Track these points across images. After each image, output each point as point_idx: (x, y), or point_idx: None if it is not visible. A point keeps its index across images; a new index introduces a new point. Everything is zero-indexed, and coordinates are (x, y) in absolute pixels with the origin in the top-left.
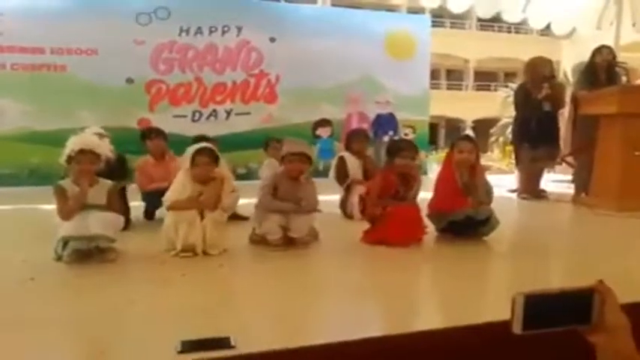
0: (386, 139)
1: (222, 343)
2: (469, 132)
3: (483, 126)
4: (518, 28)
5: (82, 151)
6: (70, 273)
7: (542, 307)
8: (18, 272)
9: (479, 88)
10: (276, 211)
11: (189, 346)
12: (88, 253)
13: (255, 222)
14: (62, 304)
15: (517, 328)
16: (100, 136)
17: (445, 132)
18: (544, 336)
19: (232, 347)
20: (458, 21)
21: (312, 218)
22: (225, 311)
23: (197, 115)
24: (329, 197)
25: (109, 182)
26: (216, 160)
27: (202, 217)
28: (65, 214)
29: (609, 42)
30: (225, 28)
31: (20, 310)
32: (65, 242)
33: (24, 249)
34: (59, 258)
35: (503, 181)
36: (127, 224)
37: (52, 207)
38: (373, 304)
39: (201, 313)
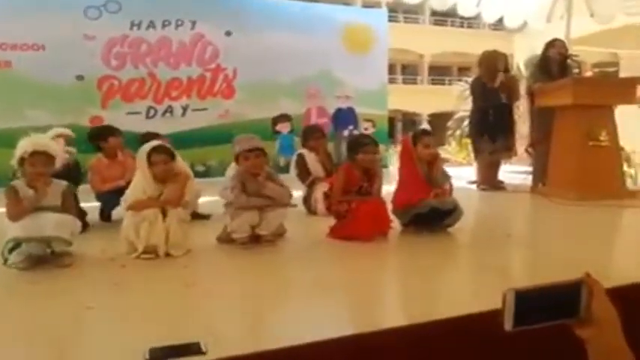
0: (346, 133)
1: (192, 348)
2: (425, 125)
3: (439, 119)
4: (471, 22)
5: (35, 153)
6: (22, 279)
7: (531, 303)
8: None
9: (434, 83)
10: (253, 207)
11: (158, 354)
12: (43, 258)
13: (229, 221)
14: (13, 314)
15: (508, 325)
16: (66, 136)
17: (402, 126)
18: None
19: (203, 353)
20: (412, 16)
21: (285, 214)
22: (192, 315)
23: (152, 111)
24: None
25: (63, 183)
26: (172, 156)
27: (164, 217)
28: (15, 215)
29: (559, 35)
30: (179, 22)
31: None
32: (14, 246)
33: None
34: (5, 261)
35: (461, 173)
36: (84, 227)
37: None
38: (343, 301)
39: (167, 318)
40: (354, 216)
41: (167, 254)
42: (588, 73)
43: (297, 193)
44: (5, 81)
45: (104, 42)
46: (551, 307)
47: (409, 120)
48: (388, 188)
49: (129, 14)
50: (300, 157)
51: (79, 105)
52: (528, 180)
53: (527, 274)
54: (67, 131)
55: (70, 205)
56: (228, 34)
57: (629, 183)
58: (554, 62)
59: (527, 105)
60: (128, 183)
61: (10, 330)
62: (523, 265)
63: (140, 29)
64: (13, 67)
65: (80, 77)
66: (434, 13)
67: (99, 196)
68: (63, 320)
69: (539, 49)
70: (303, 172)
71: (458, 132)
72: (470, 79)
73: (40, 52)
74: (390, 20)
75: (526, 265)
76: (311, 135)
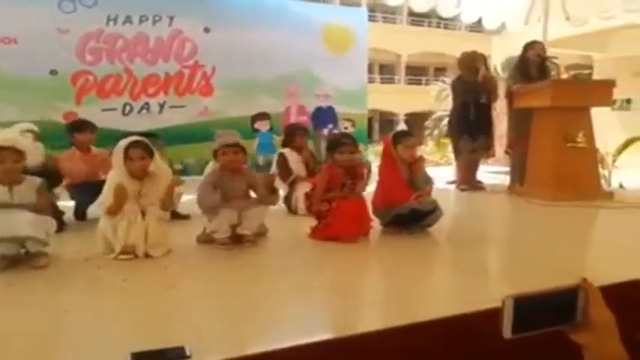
0: (325, 132)
1: (176, 353)
2: (402, 125)
3: (415, 119)
4: (448, 23)
5: (2, 149)
6: None
7: (530, 309)
8: None
9: (410, 82)
10: (228, 204)
11: (140, 359)
12: (17, 259)
13: (208, 221)
14: None
15: (507, 333)
16: (31, 132)
17: (379, 125)
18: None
19: (188, 357)
20: (390, 16)
21: (265, 213)
22: (173, 318)
23: (128, 108)
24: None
25: (37, 180)
26: (150, 153)
27: (143, 216)
28: None
29: (536, 38)
30: (157, 18)
31: None
32: None
33: None
34: None
35: (439, 173)
36: (61, 227)
37: None
38: (326, 304)
39: (147, 321)
40: (334, 215)
41: (146, 255)
42: (564, 76)
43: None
44: None
45: (79, 36)
46: (548, 313)
47: (386, 120)
48: (368, 188)
49: (105, 8)
50: (281, 156)
51: (53, 100)
52: (506, 180)
53: (507, 274)
54: (32, 126)
55: (45, 202)
56: (206, 30)
57: (602, 184)
58: (532, 64)
59: (505, 106)
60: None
61: None
62: (502, 265)
63: (116, 24)
64: None
65: (54, 72)
66: (412, 13)
67: (73, 194)
68: (39, 324)
69: (516, 51)
70: (284, 172)
71: (436, 132)
72: (448, 79)
73: (12, 46)
74: (368, 20)
75: (505, 265)
76: (295, 133)
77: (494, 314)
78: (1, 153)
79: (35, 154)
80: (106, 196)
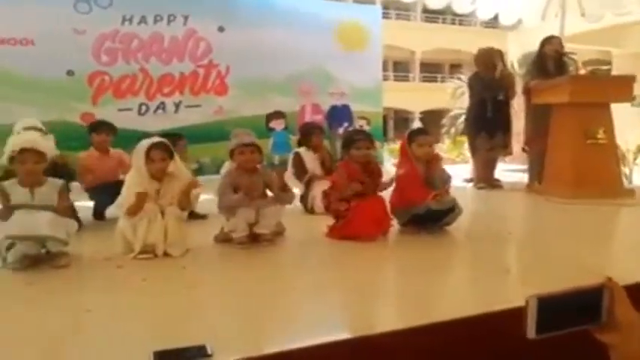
0: (341, 131)
1: (198, 352)
2: (417, 123)
3: (431, 117)
4: (463, 19)
5: (23, 150)
6: (18, 280)
7: (554, 309)
8: None
9: (425, 80)
10: (245, 204)
11: (163, 357)
12: (38, 258)
13: (225, 221)
14: (10, 317)
15: (531, 333)
16: (37, 130)
17: (394, 123)
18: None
19: (209, 356)
20: (403, 12)
21: (282, 211)
22: (193, 317)
23: (144, 108)
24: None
25: (58, 181)
26: (170, 154)
27: (162, 216)
28: (2, 216)
29: (553, 33)
30: (171, 17)
31: None
32: (9, 245)
33: None
34: (4, 260)
35: (456, 171)
36: (79, 227)
37: None
38: (345, 303)
39: (168, 320)
40: (354, 215)
41: (165, 254)
42: (582, 71)
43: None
44: None
45: (95, 37)
46: (573, 313)
47: (401, 118)
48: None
49: (120, 9)
50: (297, 155)
51: (70, 101)
52: (524, 178)
53: (527, 274)
54: (37, 123)
55: (66, 204)
56: (221, 29)
57: (623, 182)
58: (550, 59)
59: (522, 102)
60: (123, 180)
61: (6, 333)
62: (522, 265)
63: (132, 24)
64: (1, 62)
65: (70, 73)
66: (425, 10)
67: (91, 194)
68: (61, 323)
69: (532, 47)
70: (300, 171)
71: (452, 129)
72: (463, 76)
73: (29, 47)
74: (381, 17)
75: (525, 264)
76: (311, 132)
77: (514, 314)
78: (23, 154)
79: (50, 152)
80: (125, 197)
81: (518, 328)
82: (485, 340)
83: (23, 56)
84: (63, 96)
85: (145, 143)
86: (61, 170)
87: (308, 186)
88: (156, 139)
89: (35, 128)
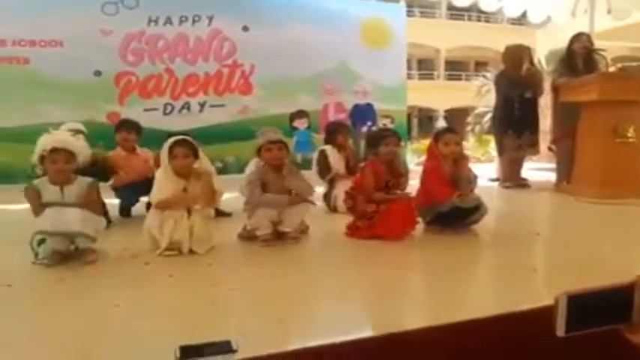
0: (364, 129)
1: (223, 347)
2: (441, 122)
3: (456, 115)
4: (488, 17)
5: (54, 150)
6: (48, 276)
7: (583, 307)
8: None
9: (450, 78)
10: (270, 205)
11: (189, 352)
12: (67, 255)
13: (247, 218)
14: (41, 312)
15: (561, 331)
16: (76, 132)
17: (418, 122)
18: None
19: (234, 351)
20: (428, 10)
21: (306, 210)
22: (218, 313)
23: (169, 107)
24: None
25: (87, 179)
26: (194, 152)
27: (189, 214)
28: (35, 211)
29: (582, 30)
30: (196, 18)
31: None
32: (41, 240)
33: None
34: (36, 255)
35: (481, 171)
36: (108, 224)
37: (18, 207)
38: (370, 301)
39: (193, 315)
40: (383, 217)
41: (191, 251)
42: (612, 68)
43: (318, 190)
44: (23, 77)
45: (121, 38)
46: (603, 312)
47: (425, 116)
48: (411, 184)
49: (146, 10)
50: (322, 153)
51: (97, 101)
52: (552, 177)
53: (556, 273)
54: (79, 126)
55: (93, 197)
56: (245, 29)
57: None
58: (579, 57)
59: (549, 100)
60: (149, 178)
61: (37, 328)
62: (551, 264)
63: (157, 25)
64: (31, 64)
65: (98, 73)
66: (450, 7)
67: (117, 192)
68: (91, 318)
69: (560, 44)
70: (324, 169)
71: (477, 128)
72: (489, 74)
73: (58, 49)
74: (406, 15)
75: (554, 264)
76: (339, 131)
77: (542, 314)
78: (54, 154)
79: (85, 153)
80: (154, 193)
81: (545, 328)
82: (511, 340)
83: (52, 58)
84: (91, 96)
85: (170, 140)
86: (101, 167)
87: (331, 184)
88: (180, 136)
89: (80, 131)
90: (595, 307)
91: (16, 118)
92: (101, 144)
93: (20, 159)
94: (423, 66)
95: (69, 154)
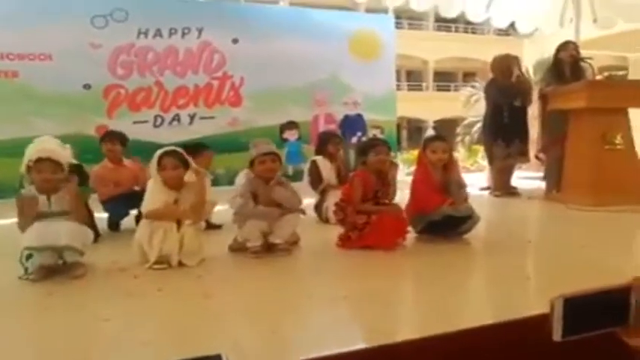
0: (354, 140)
1: None
2: (431, 132)
3: (445, 126)
4: (475, 28)
5: (40, 160)
6: (36, 291)
7: (580, 310)
8: None
9: (439, 89)
10: (262, 217)
11: None
12: (54, 269)
13: (237, 230)
14: (28, 326)
15: (557, 335)
16: None
17: (407, 133)
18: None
19: None
20: (416, 22)
21: (297, 222)
22: (209, 327)
23: (159, 120)
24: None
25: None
26: (184, 163)
27: (179, 226)
28: (22, 226)
29: (568, 39)
30: (186, 30)
31: None
32: (29, 255)
33: None
34: (26, 270)
35: (471, 180)
36: (97, 238)
37: (6, 222)
38: (363, 312)
39: (183, 329)
40: (374, 228)
41: (180, 264)
42: (598, 77)
43: (309, 201)
44: (12, 91)
45: (111, 51)
46: (599, 315)
47: (415, 127)
48: (401, 194)
49: (135, 23)
50: (314, 163)
51: (86, 114)
52: (542, 186)
53: (550, 280)
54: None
55: (80, 209)
56: (234, 41)
57: None
58: (566, 65)
59: (537, 109)
60: (137, 191)
61: (25, 343)
62: (544, 272)
63: (147, 37)
64: (20, 77)
65: (87, 86)
66: (438, 19)
67: (105, 205)
68: (79, 333)
69: (547, 54)
70: (315, 179)
71: (467, 138)
72: (478, 84)
73: (47, 62)
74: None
75: (547, 272)
76: (330, 141)
77: (536, 321)
78: (39, 164)
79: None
80: (146, 202)
81: (540, 336)
82: (507, 349)
83: (42, 71)
84: (80, 109)
85: (159, 152)
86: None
87: (323, 195)
88: (168, 148)
89: None
90: (591, 310)
91: (4, 131)
92: None
93: (9, 173)
94: (411, 77)
95: (55, 164)
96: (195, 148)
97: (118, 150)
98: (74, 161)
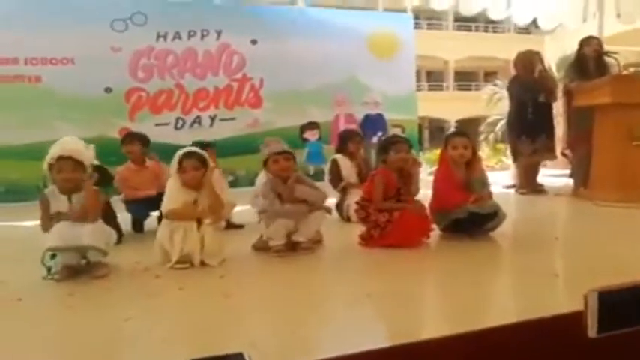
0: (375, 140)
1: (236, 359)
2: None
3: (467, 125)
4: (496, 27)
5: (61, 158)
6: (59, 291)
7: (616, 304)
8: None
9: (460, 88)
10: (290, 215)
11: None
12: (78, 269)
13: (264, 229)
14: (55, 325)
15: (592, 331)
16: None
17: (429, 133)
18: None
19: None
20: (435, 22)
21: (323, 219)
22: (230, 326)
23: (180, 122)
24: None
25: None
26: (204, 164)
27: (199, 225)
28: (44, 227)
29: (591, 35)
30: (205, 32)
31: (9, 334)
32: (52, 255)
33: (4, 269)
34: (49, 270)
35: (496, 178)
36: (120, 239)
37: (30, 224)
38: (387, 311)
39: (204, 328)
40: (397, 226)
41: (202, 263)
42: (624, 72)
43: (331, 201)
44: (36, 95)
45: (131, 54)
46: (634, 309)
47: (436, 127)
48: (425, 191)
49: (155, 26)
50: (334, 162)
51: (108, 117)
52: (569, 183)
53: (582, 279)
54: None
55: (94, 202)
56: (253, 42)
57: None
58: (590, 60)
59: (561, 106)
60: (159, 193)
61: (46, 341)
62: (572, 269)
63: (166, 41)
64: (43, 82)
65: (108, 90)
66: (457, 18)
67: (129, 206)
68: (101, 333)
69: (569, 51)
70: (335, 178)
71: (490, 136)
72: (500, 82)
73: (69, 66)
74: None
75: (576, 269)
76: (350, 139)
77: (567, 320)
78: (60, 162)
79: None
80: (165, 202)
81: (571, 334)
82: (537, 348)
83: (64, 75)
84: (102, 113)
85: (180, 153)
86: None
87: (344, 194)
88: (188, 149)
89: None
90: (628, 305)
91: (28, 135)
92: None
93: (32, 176)
94: (432, 78)
95: (76, 163)
96: (199, 146)
97: (138, 151)
98: (96, 162)
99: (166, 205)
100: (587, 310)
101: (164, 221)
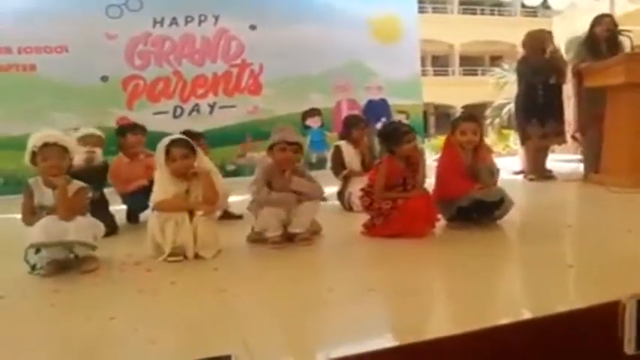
0: (378, 126)
1: None
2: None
3: (473, 111)
4: (502, 10)
5: (46, 145)
6: (44, 287)
7: None
8: None
9: (465, 73)
10: (277, 203)
11: None
12: (66, 263)
13: (255, 219)
14: (37, 324)
15: (630, 347)
16: (94, 136)
17: (435, 119)
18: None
19: None
20: (440, 6)
21: (316, 209)
22: (223, 324)
23: (179, 110)
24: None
25: (78, 184)
26: (193, 151)
27: (192, 217)
28: (26, 220)
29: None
30: (202, 17)
31: None
32: (36, 250)
33: None
34: (33, 267)
35: (504, 164)
36: (114, 230)
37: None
38: (390, 307)
39: (195, 326)
40: (401, 214)
41: (196, 256)
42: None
43: (333, 189)
44: (30, 84)
45: (127, 41)
46: None
47: (442, 113)
48: (430, 180)
49: (151, 11)
50: (337, 149)
51: (105, 106)
52: (579, 168)
53: (598, 270)
54: (96, 131)
55: (79, 204)
56: (252, 27)
57: None
58: (602, 40)
59: (571, 88)
60: (152, 183)
61: (31, 341)
62: (590, 260)
63: (163, 26)
64: (38, 70)
65: (105, 78)
66: (462, 1)
67: (124, 198)
68: (85, 331)
69: (578, 32)
70: (337, 165)
71: (496, 121)
72: (507, 65)
73: (64, 54)
74: (418, 10)
75: (591, 259)
76: (354, 125)
77: (584, 315)
78: (45, 150)
79: (78, 153)
80: (154, 194)
81: (585, 333)
82: (552, 345)
83: (59, 63)
84: (99, 102)
85: (165, 141)
86: (97, 172)
87: (346, 182)
88: (175, 136)
89: (95, 136)
90: None
91: (23, 125)
92: None
93: (30, 167)
94: (437, 62)
95: (62, 150)
96: (191, 136)
97: (131, 142)
98: (82, 149)
99: (156, 196)
100: (623, 321)
101: (154, 213)
